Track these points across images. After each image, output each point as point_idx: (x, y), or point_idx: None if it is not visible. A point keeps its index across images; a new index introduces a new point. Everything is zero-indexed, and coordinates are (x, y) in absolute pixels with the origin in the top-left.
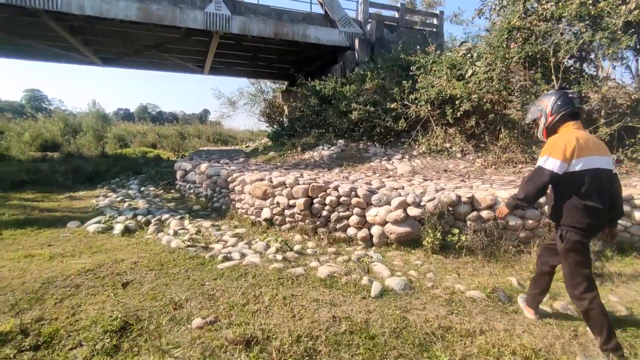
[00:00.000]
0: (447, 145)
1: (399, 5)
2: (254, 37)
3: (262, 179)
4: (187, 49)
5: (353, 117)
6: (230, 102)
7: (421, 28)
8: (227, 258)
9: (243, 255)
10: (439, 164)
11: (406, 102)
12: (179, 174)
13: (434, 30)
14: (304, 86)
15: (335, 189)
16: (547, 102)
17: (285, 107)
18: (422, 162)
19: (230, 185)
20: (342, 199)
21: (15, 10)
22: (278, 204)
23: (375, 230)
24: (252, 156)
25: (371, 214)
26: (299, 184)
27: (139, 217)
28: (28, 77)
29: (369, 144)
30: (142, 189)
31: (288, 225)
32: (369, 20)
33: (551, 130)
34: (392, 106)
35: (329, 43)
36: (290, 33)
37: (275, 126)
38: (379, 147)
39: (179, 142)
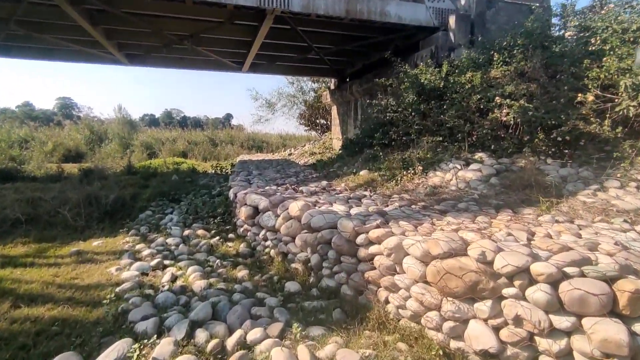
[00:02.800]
0: None
1: None
2: (318, 18)
3: (455, 253)
4: (228, 39)
5: (499, 117)
6: (269, 104)
7: (523, 3)
8: None
9: None
10: None
11: (605, 94)
12: (243, 211)
13: (541, 4)
14: (394, 77)
15: None
16: None
17: (334, 108)
18: None
19: (363, 253)
20: None
21: None
22: (518, 319)
23: None
24: (322, 172)
25: None
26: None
27: (199, 332)
28: (61, 86)
29: (538, 159)
30: (187, 232)
31: None
32: None
33: None
34: (581, 98)
35: (414, 22)
36: (365, 10)
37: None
38: (558, 164)
39: (210, 149)
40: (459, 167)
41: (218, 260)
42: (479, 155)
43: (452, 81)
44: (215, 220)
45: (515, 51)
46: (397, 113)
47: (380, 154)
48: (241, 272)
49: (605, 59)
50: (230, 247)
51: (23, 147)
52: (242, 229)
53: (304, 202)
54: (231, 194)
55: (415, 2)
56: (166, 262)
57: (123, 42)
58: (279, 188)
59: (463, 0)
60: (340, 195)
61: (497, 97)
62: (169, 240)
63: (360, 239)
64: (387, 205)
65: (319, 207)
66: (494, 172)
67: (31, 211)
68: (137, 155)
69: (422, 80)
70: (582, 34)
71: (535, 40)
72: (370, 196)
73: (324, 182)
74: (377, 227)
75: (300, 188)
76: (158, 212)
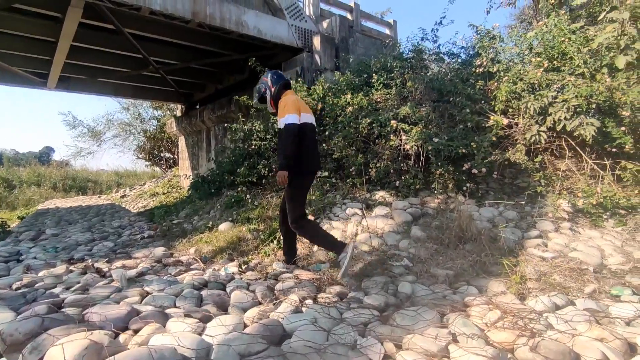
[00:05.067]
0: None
1: (352, 4)
2: (154, 16)
3: None
4: (17, 37)
5: (400, 145)
6: (93, 133)
7: (377, 37)
8: None
9: None
10: None
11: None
12: None
13: (389, 41)
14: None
15: None
16: (266, 79)
17: (182, 139)
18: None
19: None
20: None
21: None
22: None
23: None
24: (161, 226)
25: None
26: None
27: None
28: None
29: (448, 196)
30: None
31: None
32: (330, 14)
33: (276, 99)
34: (493, 121)
35: (275, 39)
36: (217, 15)
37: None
38: (474, 203)
39: (3, 194)
40: (359, 212)
41: None
42: (379, 194)
43: (330, 102)
44: None
45: (394, 73)
46: (265, 141)
47: (247, 196)
48: None
49: (504, 78)
50: None
51: None
52: None
53: (90, 341)
54: None
55: (275, 16)
56: None
57: None
58: (70, 270)
59: (325, 24)
60: (185, 280)
61: (392, 121)
62: None
63: None
64: (278, 304)
65: (132, 341)
66: (409, 219)
67: None
68: None
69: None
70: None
71: (412, 63)
72: (241, 277)
73: (161, 249)
74: None
75: (113, 267)
76: None
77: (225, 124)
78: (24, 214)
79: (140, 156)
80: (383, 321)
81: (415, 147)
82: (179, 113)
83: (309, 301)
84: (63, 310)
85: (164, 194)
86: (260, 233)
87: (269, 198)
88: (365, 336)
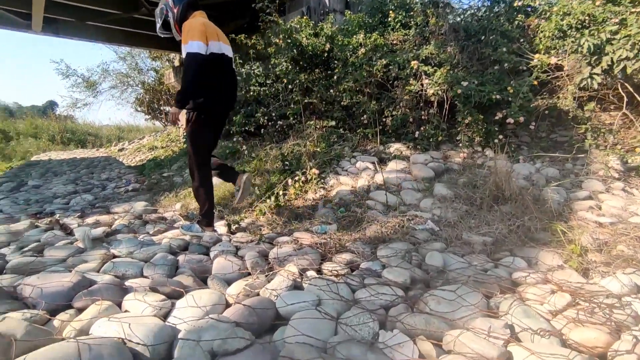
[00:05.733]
0: None
1: None
2: None
3: None
4: None
5: (422, 90)
6: (88, 83)
7: None
8: None
9: None
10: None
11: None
12: None
13: None
14: (258, 34)
15: None
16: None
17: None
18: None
19: None
20: None
21: None
22: None
23: None
24: (149, 179)
25: None
26: None
27: None
28: None
29: (474, 150)
30: None
31: None
32: None
33: (181, 23)
34: (539, 59)
35: None
36: None
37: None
38: (505, 157)
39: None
40: (371, 166)
41: None
42: (395, 147)
43: (340, 43)
44: None
45: (413, 11)
46: (265, 87)
47: (244, 147)
48: None
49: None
50: None
51: None
52: None
53: None
54: None
55: None
56: None
57: None
58: (36, 225)
59: None
60: (163, 242)
61: (412, 62)
62: None
63: None
64: (272, 275)
65: (66, 329)
66: (431, 174)
67: None
68: None
69: (301, 39)
70: None
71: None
72: (230, 239)
73: (142, 204)
74: None
75: (83, 223)
76: None
77: None
78: (13, 164)
79: (139, 109)
80: (410, 305)
81: (440, 93)
82: (177, 63)
83: (311, 273)
84: (1, 276)
85: (162, 147)
86: (257, 188)
87: (267, 150)
88: (388, 328)
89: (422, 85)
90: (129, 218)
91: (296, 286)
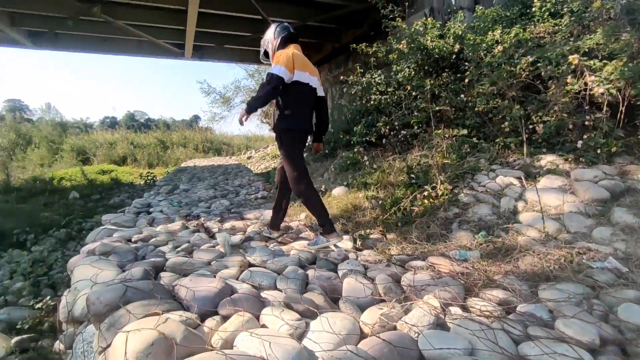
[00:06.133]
0: None
1: None
2: None
3: None
4: (153, 8)
5: (588, 90)
6: (224, 99)
7: None
8: None
9: None
10: None
11: None
12: (61, 311)
13: None
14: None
15: None
16: (269, 32)
17: None
18: None
19: None
20: None
21: None
22: None
23: None
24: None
25: None
26: None
27: None
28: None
29: None
30: None
31: None
32: None
33: None
34: None
35: None
36: None
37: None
38: None
39: (159, 153)
40: (516, 182)
41: None
42: (547, 159)
43: (472, 42)
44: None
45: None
46: (387, 95)
47: (365, 158)
48: None
49: None
50: None
51: None
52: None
53: (159, 335)
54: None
55: None
56: None
57: (17, 14)
58: (185, 227)
59: None
60: (291, 252)
61: (570, 56)
62: None
63: None
64: (408, 307)
65: (214, 336)
66: (605, 195)
67: None
68: (67, 162)
69: (425, 43)
70: None
71: None
72: (356, 256)
73: (270, 212)
74: None
75: (223, 227)
76: None
77: (342, 85)
78: (170, 170)
79: (264, 120)
80: None
81: (612, 92)
82: None
83: (455, 310)
84: (162, 273)
85: None
86: (381, 201)
87: (390, 160)
88: None
89: (585, 83)
90: (260, 225)
91: (439, 323)
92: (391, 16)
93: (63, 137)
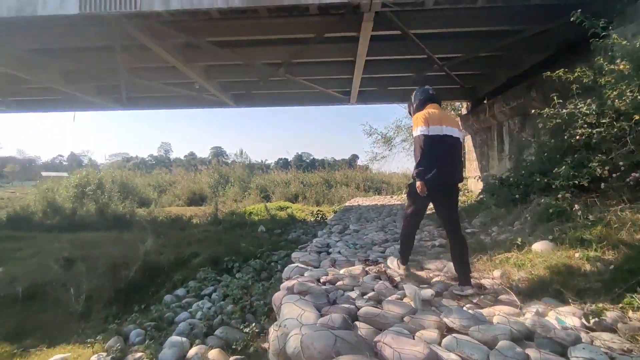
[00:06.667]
0: None
1: None
2: (436, 8)
3: None
4: (325, 62)
5: None
6: (385, 139)
7: None
8: None
9: None
10: None
11: None
12: (272, 343)
13: None
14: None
15: None
16: (412, 96)
17: (467, 138)
18: None
19: None
20: None
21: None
22: None
23: None
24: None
25: None
26: None
27: None
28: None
29: None
30: (193, 351)
31: None
32: None
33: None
34: None
35: None
36: None
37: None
38: None
39: (325, 191)
40: None
41: None
42: None
43: None
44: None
45: None
46: (600, 127)
47: (575, 207)
48: None
49: None
50: None
51: (157, 190)
52: None
53: None
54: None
55: None
56: None
57: (224, 82)
58: (366, 272)
59: None
60: (495, 319)
61: None
62: None
63: None
64: None
65: None
66: None
67: (42, 280)
68: (252, 198)
69: None
70: None
71: None
72: (591, 339)
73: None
74: None
75: (404, 276)
76: (194, 291)
77: (521, 118)
78: (336, 208)
79: None
80: None
81: None
82: (464, 111)
83: None
84: (357, 323)
85: None
86: (611, 266)
87: (617, 211)
88: None
89: None
90: (444, 278)
91: None
92: (604, 34)
93: (251, 177)
